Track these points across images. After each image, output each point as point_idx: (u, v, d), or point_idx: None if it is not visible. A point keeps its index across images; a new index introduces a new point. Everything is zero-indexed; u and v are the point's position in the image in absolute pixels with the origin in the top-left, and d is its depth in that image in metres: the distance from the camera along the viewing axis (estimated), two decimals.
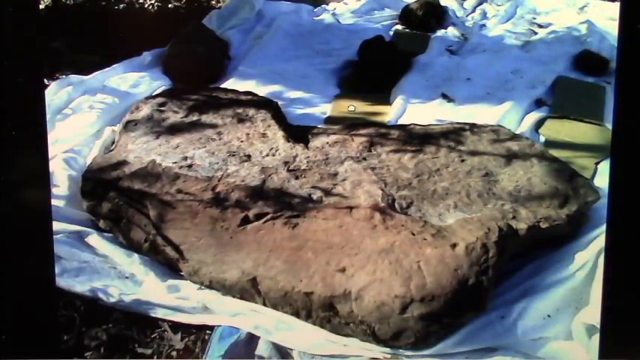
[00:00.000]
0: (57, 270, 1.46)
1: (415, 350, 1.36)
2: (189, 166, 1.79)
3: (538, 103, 2.43)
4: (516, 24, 3.23)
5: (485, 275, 1.38)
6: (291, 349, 1.39)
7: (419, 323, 1.32)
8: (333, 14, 3.34)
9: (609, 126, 2.23)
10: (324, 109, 2.42)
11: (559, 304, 1.44)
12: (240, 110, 2.10)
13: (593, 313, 1.35)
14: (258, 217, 1.58)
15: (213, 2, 3.46)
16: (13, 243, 1.03)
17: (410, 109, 2.39)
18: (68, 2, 3.27)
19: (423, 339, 1.34)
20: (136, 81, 2.49)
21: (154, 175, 1.75)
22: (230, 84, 2.50)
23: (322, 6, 3.46)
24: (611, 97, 2.45)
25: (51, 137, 2.04)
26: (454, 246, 1.42)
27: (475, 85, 2.56)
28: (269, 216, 1.58)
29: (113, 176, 1.77)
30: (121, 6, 3.30)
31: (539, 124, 2.28)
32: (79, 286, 1.51)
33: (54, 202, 1.69)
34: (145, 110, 2.09)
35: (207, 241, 1.54)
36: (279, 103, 2.25)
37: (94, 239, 1.66)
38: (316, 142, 1.93)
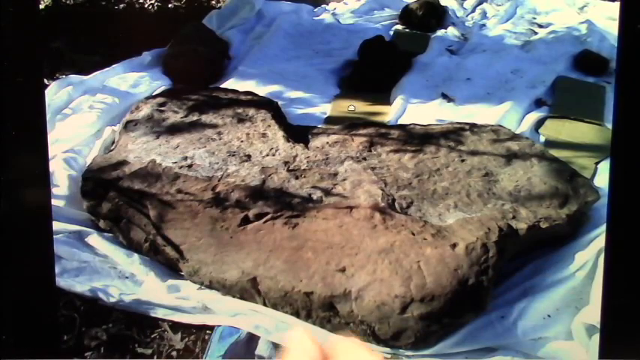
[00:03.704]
0: (57, 270, 1.46)
1: (415, 350, 1.36)
2: (189, 166, 1.79)
3: (538, 103, 2.43)
4: (516, 24, 3.22)
5: (485, 275, 1.38)
6: None
7: (419, 323, 1.32)
8: (333, 14, 3.34)
9: (609, 126, 2.23)
10: (324, 109, 2.42)
11: (559, 304, 1.44)
12: (240, 110, 2.10)
13: (593, 313, 1.35)
14: (258, 217, 1.58)
15: (213, 2, 3.45)
16: (13, 243, 1.03)
17: (410, 109, 2.39)
18: (68, 2, 3.27)
19: (423, 339, 1.34)
20: (136, 81, 2.48)
21: (154, 175, 1.75)
22: (230, 84, 2.50)
23: (322, 6, 3.46)
24: (611, 97, 2.45)
25: (51, 137, 2.03)
26: (454, 246, 1.42)
27: (475, 85, 2.56)
28: (269, 216, 1.58)
29: (113, 176, 1.77)
30: (121, 6, 3.30)
31: (539, 124, 2.28)
32: (79, 286, 1.51)
33: (54, 202, 1.69)
34: (145, 110, 2.09)
35: (207, 241, 1.54)
36: (279, 103, 2.25)
37: (94, 239, 1.66)
38: (316, 142, 1.93)
